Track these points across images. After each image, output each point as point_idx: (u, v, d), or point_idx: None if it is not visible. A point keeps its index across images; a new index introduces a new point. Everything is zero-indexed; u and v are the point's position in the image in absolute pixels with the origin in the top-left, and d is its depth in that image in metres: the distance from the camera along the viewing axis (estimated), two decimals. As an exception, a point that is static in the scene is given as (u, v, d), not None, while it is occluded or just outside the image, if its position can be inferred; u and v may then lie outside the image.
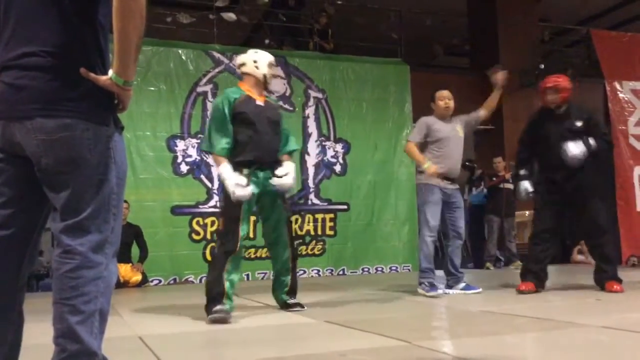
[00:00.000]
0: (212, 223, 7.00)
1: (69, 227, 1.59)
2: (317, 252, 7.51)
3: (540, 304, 4.04)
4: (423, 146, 4.67)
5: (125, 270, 6.31)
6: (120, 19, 1.57)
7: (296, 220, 7.19)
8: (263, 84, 3.83)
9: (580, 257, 8.62)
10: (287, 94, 7.77)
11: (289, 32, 8.64)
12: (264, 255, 7.12)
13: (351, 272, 7.59)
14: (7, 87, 1.60)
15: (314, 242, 7.51)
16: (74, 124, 1.59)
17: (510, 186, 7.86)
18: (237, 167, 3.59)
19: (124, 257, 6.09)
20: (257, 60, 3.82)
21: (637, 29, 10.66)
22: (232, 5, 8.58)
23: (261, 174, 3.67)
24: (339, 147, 7.93)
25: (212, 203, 7.10)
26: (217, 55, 7.51)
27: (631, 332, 2.76)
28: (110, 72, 1.63)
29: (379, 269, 7.75)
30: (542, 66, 8.59)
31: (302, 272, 7.35)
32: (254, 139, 3.64)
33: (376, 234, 7.83)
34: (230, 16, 8.16)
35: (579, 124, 4.59)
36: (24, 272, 1.68)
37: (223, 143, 3.60)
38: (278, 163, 3.76)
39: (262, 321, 3.58)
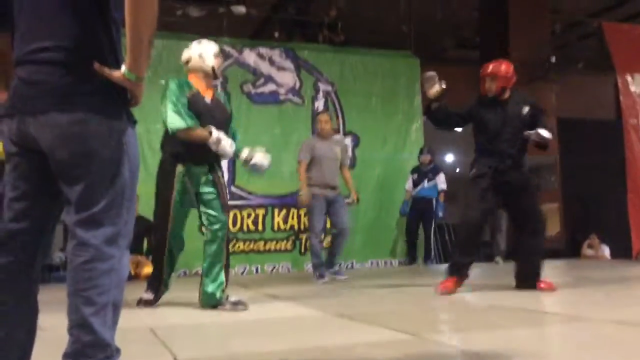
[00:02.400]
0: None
1: (83, 220, 1.61)
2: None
3: (549, 298, 4.04)
4: (310, 162, 5.51)
5: (138, 262, 6.35)
6: (133, 14, 1.58)
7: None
8: (212, 77, 3.79)
9: (590, 252, 8.60)
10: (297, 86, 7.78)
11: (298, 25, 8.63)
12: (273, 248, 7.17)
13: (360, 265, 7.61)
14: (22, 82, 1.62)
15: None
16: (87, 118, 1.61)
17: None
18: (173, 159, 3.65)
19: (136, 249, 6.14)
20: (201, 53, 3.76)
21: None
22: (241, -1, 8.58)
23: (197, 169, 3.68)
24: (348, 140, 7.92)
25: (222, 196, 7.14)
26: (227, 48, 7.51)
27: (638, 326, 2.76)
28: (123, 67, 1.65)
29: (387, 262, 7.76)
30: (554, 59, 8.53)
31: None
32: None
33: (385, 227, 7.83)
34: (240, 9, 8.16)
35: (524, 112, 4.38)
36: (38, 264, 1.70)
37: (191, 119, 3.57)
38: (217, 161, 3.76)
39: (272, 313, 3.60)
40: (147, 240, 6.56)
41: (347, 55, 8.16)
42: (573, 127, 8.86)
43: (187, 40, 7.38)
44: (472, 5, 9.55)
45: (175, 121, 3.59)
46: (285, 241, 7.29)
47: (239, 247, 7.10)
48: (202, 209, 3.76)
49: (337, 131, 7.78)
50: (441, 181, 7.73)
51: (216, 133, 3.59)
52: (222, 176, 3.84)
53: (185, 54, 3.83)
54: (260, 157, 3.80)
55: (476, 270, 5.03)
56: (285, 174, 7.19)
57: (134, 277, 6.21)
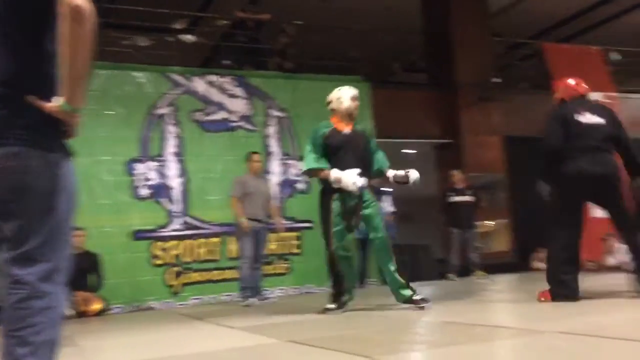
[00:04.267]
0: (174, 247, 6.93)
1: (17, 256, 1.56)
2: (282, 271, 7.48)
3: (501, 313, 4.11)
4: (241, 197, 6.03)
5: (84, 299, 6.13)
6: (68, 46, 1.56)
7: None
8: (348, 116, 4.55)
9: (539, 265, 8.79)
10: (249, 113, 7.79)
11: (249, 52, 8.67)
12: (229, 277, 7.08)
13: (318, 290, 7.57)
14: None
15: (279, 261, 7.49)
16: (21, 152, 1.58)
17: (469, 198, 8.00)
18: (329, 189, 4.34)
19: (80, 284, 5.93)
20: (340, 97, 4.57)
21: (586, 41, 11.07)
22: (190, 27, 8.61)
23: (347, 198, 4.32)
24: (302, 166, 7.94)
25: (173, 227, 7.03)
26: (176, 77, 7.49)
27: (587, 336, 2.83)
28: (59, 99, 1.62)
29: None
30: (497, 80, 8.83)
31: (266, 291, 7.32)
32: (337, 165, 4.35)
33: (342, 250, 7.85)
34: (189, 38, 8.18)
35: None
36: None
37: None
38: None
39: (226, 344, 3.55)
40: (96, 275, 6.36)
41: (298, 81, 8.24)
42: (519, 145, 9.13)
43: (134, 70, 7.41)
44: (418, 29, 9.83)
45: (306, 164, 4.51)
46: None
47: (193, 277, 6.98)
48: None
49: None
50: (388, 204, 7.82)
51: (336, 173, 4.26)
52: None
53: (328, 97, 4.65)
54: (415, 174, 4.58)
55: (430, 288, 5.08)
56: (240, 202, 7.14)
57: (83, 314, 6.01)
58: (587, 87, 4.56)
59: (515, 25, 10.96)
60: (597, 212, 9.38)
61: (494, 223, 9.11)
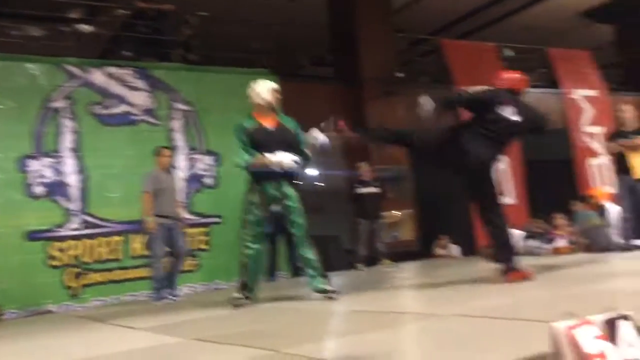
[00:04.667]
0: (72, 247, 6.60)
1: None
2: (190, 268, 7.31)
3: (408, 298, 4.26)
4: (155, 192, 5.90)
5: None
6: None
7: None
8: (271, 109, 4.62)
9: (441, 252, 9.20)
10: (151, 107, 7.54)
11: (151, 43, 8.37)
12: (132, 277, 6.84)
13: (226, 285, 7.49)
14: None
15: (188, 257, 7.30)
16: None
17: (375, 189, 8.20)
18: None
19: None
20: (259, 91, 4.64)
21: (482, 37, 11.64)
22: (88, 17, 8.19)
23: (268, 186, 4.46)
24: (209, 160, 7.81)
25: (71, 226, 6.69)
26: (72, 69, 7.11)
27: (480, 317, 2.99)
28: None
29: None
30: (400, 74, 9.09)
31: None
32: None
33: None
34: (86, 28, 7.78)
35: None
36: None
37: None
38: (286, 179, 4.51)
39: (128, 345, 3.42)
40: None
41: (204, 73, 8.08)
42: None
43: (27, 61, 6.94)
44: (324, 24, 9.92)
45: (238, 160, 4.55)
46: (145, 268, 6.94)
47: (95, 278, 6.69)
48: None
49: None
50: None
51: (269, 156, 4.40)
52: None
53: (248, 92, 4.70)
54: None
55: (340, 278, 5.17)
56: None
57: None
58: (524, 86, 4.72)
59: (416, 22, 11.33)
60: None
61: (399, 213, 9.40)
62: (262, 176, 4.47)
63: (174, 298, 6.01)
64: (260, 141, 4.45)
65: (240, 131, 4.54)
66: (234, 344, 2.94)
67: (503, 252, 4.41)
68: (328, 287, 4.42)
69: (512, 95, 4.53)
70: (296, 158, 4.44)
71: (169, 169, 6.43)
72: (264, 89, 4.64)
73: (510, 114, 4.37)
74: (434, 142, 4.67)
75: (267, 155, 4.39)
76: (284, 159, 4.40)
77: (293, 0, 10.64)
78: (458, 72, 10.21)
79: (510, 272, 4.27)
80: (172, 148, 7.50)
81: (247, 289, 4.57)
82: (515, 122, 4.38)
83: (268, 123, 4.56)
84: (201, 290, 7.22)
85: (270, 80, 8.26)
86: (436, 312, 3.39)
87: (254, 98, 4.65)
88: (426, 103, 4.41)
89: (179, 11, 8.71)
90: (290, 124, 4.69)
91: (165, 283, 5.99)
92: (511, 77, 4.72)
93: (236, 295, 4.54)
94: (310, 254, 4.51)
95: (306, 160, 4.67)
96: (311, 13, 10.04)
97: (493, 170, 4.53)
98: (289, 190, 4.51)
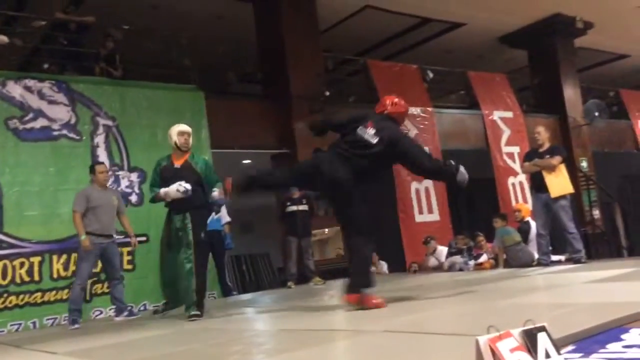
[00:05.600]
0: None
1: None
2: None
3: (334, 316, 4.29)
4: (86, 210, 5.81)
5: None
6: None
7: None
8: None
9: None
10: (72, 121, 7.26)
11: (72, 56, 8.09)
12: (52, 299, 6.51)
13: (154, 307, 7.26)
14: None
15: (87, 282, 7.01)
16: None
17: (304, 207, 8.25)
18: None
19: None
20: (170, 134, 5.22)
21: (407, 59, 12.03)
22: (3, 27, 7.82)
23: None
24: (134, 177, 7.60)
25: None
26: (-14, 81, 6.75)
27: (406, 333, 3.07)
28: None
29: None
30: (327, 93, 9.22)
31: (98, 312, 6.87)
32: None
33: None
34: (2, 39, 7.42)
35: None
36: None
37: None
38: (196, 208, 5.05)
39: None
40: None
41: (128, 88, 7.87)
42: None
43: None
44: (252, 41, 9.93)
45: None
46: (67, 290, 6.61)
47: (11, 301, 6.32)
48: None
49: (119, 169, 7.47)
50: (224, 214, 7.87)
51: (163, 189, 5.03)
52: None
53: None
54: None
55: (270, 296, 5.15)
56: (65, 216, 6.58)
57: None
58: (393, 107, 4.62)
59: (343, 43, 11.57)
60: (419, 217, 10.30)
61: (327, 230, 9.48)
62: (171, 208, 5.09)
63: (129, 317, 6.09)
64: (165, 178, 5.05)
65: (154, 169, 5.23)
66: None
67: (360, 280, 4.27)
68: (193, 312, 4.85)
69: (384, 120, 4.47)
70: (187, 186, 4.89)
71: (106, 185, 6.30)
72: (173, 132, 5.17)
73: (370, 136, 4.31)
74: (303, 171, 4.78)
75: (163, 189, 5.01)
76: (172, 188, 4.91)
77: (221, 17, 10.62)
78: (383, 92, 10.47)
79: (364, 299, 4.17)
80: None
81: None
82: (371, 144, 4.27)
83: (178, 162, 5.12)
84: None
85: (197, 96, 8.34)
86: (365, 329, 3.44)
87: (169, 139, 5.22)
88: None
89: (102, 24, 8.49)
90: (199, 163, 5.19)
91: (80, 307, 5.87)
92: (386, 102, 4.65)
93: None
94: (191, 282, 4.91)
95: (219, 200, 5.33)
96: (239, 30, 10.03)
97: (363, 194, 4.30)
98: (189, 223, 4.98)
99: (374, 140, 4.29)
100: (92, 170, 6.17)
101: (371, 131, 4.32)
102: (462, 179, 4.29)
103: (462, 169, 4.29)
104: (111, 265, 6.07)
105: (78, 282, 5.86)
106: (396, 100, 4.65)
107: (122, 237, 7.22)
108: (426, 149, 4.83)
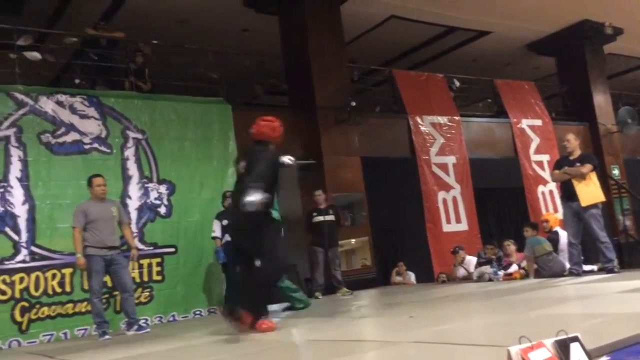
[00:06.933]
0: (21, 280, 6.36)
1: None
2: (143, 300, 7.12)
3: (365, 327, 4.27)
4: (86, 224, 5.82)
5: None
6: None
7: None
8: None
9: (398, 279, 9.28)
10: (103, 135, 7.40)
11: (102, 71, 8.27)
12: (83, 310, 6.62)
13: (182, 317, 7.34)
14: None
15: (140, 289, 7.12)
16: None
17: (331, 218, 8.25)
18: None
19: None
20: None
21: (433, 68, 12.00)
22: (36, 44, 8.03)
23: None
24: (162, 189, 7.70)
25: (19, 258, 6.44)
26: (20, 96, 6.94)
27: (434, 343, 3.03)
28: None
29: (212, 310, 7.57)
30: (354, 103, 9.23)
31: (143, 320, 6.94)
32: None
33: (206, 274, 7.68)
34: (35, 55, 7.61)
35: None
36: None
37: None
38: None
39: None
40: None
41: (157, 102, 7.99)
42: (375, 165, 9.60)
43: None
44: (278, 54, 10.01)
45: None
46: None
47: (43, 312, 6.44)
48: None
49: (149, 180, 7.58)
50: (217, 228, 7.50)
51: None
52: None
53: None
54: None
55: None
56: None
57: None
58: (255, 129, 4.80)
59: (369, 53, 11.59)
60: (447, 226, 10.20)
61: (354, 241, 9.45)
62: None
63: (137, 331, 5.91)
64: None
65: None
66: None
67: (258, 305, 4.38)
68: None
69: (256, 146, 4.67)
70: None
71: (104, 197, 6.12)
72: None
73: (242, 167, 4.61)
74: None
75: None
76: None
77: (247, 30, 10.75)
78: (409, 101, 10.47)
79: (259, 323, 4.26)
80: (126, 177, 7.41)
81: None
82: (241, 173, 4.56)
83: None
84: (156, 323, 7.03)
85: (225, 109, 8.42)
86: (393, 340, 3.42)
87: None
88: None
89: (132, 39, 8.66)
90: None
91: (105, 319, 5.86)
92: (257, 127, 4.82)
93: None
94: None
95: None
96: (265, 42, 10.14)
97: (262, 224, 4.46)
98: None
99: (243, 170, 4.61)
100: (89, 183, 6.08)
101: (243, 163, 4.62)
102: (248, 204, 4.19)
103: (253, 198, 4.17)
104: (119, 278, 5.93)
105: (93, 297, 5.81)
106: (257, 121, 4.84)
107: (152, 248, 7.36)
108: None
